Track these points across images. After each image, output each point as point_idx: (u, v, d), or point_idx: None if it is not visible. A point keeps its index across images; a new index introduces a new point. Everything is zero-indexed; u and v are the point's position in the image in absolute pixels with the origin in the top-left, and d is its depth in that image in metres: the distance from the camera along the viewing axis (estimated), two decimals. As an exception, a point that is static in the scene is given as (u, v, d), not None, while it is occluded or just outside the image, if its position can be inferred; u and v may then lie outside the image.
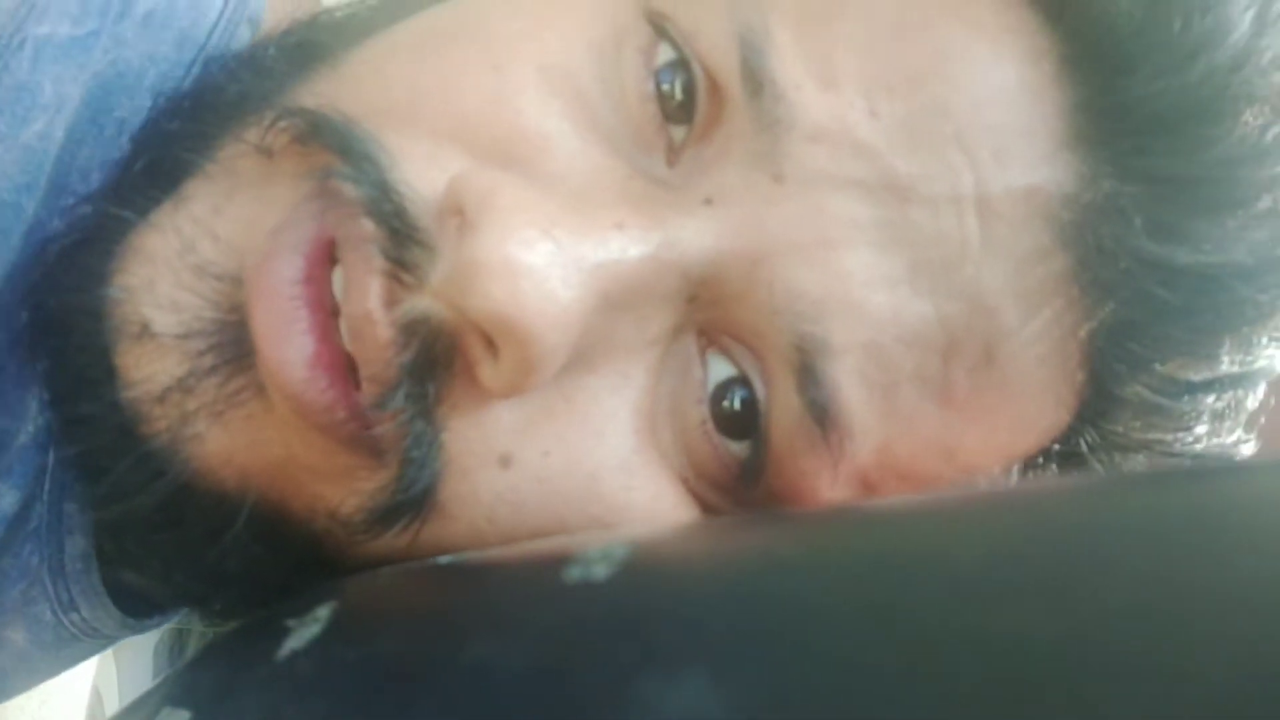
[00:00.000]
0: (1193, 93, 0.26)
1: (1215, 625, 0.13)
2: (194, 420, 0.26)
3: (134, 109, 0.30)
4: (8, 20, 0.27)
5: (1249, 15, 0.26)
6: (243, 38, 0.32)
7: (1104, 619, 0.14)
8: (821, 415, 0.26)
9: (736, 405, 0.27)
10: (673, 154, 0.27)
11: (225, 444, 0.26)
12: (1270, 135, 0.26)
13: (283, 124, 0.27)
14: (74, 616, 0.33)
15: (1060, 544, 0.17)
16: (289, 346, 0.25)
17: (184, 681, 0.25)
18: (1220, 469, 0.20)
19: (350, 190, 0.25)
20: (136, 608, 0.35)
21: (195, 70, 0.31)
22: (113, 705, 0.96)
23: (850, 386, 0.26)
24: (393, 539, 0.26)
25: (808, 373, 0.26)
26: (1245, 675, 0.12)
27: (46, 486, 0.30)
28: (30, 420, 0.29)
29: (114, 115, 0.29)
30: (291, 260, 0.25)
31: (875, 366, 0.26)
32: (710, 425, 0.27)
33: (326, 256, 0.26)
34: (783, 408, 0.27)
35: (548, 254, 0.24)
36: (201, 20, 0.31)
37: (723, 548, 0.22)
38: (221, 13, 0.31)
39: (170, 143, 0.28)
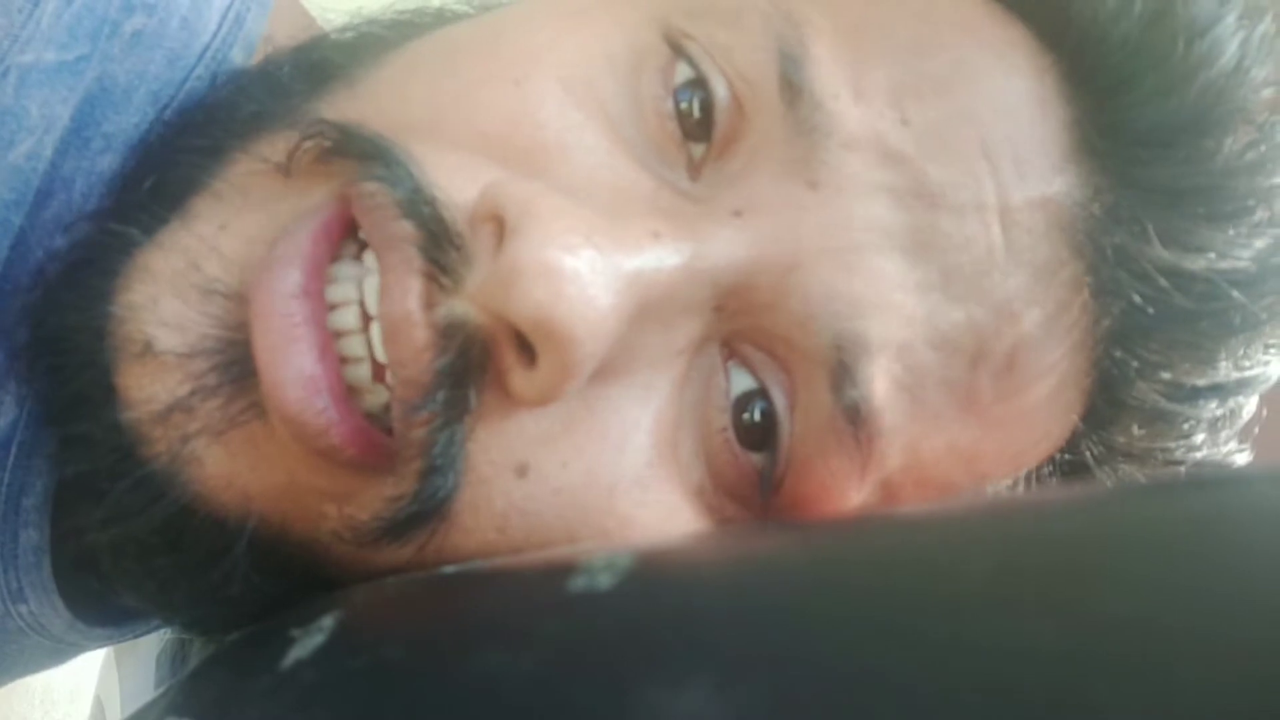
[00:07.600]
0: (1189, 110, 0.27)
1: (1218, 635, 0.13)
2: (194, 441, 0.26)
3: (121, 123, 0.30)
4: None
5: (1237, 38, 0.27)
6: (235, 61, 0.32)
7: (1107, 630, 0.14)
8: (854, 413, 0.27)
9: (756, 417, 0.28)
10: (693, 169, 0.28)
11: (226, 466, 0.26)
12: (1261, 148, 0.28)
13: (311, 139, 0.27)
14: (22, 608, 0.32)
15: (1063, 555, 0.17)
16: (287, 367, 0.25)
17: (187, 691, 0.25)
18: (1220, 479, 0.20)
19: (387, 193, 0.25)
20: (88, 613, 0.35)
21: (188, 88, 0.31)
22: (115, 715, 0.96)
23: (884, 385, 0.27)
24: (401, 550, 0.26)
25: (843, 370, 0.26)
26: (1248, 685, 0.12)
27: (5, 480, 0.30)
28: (1, 416, 0.29)
29: (100, 129, 0.30)
30: (287, 274, 0.25)
31: (906, 369, 0.27)
32: (731, 434, 0.28)
33: (322, 269, 0.26)
34: (812, 409, 0.27)
35: (589, 260, 0.24)
36: (194, 41, 0.31)
37: (727, 558, 0.22)
38: (215, 34, 0.32)
39: (180, 160, 0.29)
